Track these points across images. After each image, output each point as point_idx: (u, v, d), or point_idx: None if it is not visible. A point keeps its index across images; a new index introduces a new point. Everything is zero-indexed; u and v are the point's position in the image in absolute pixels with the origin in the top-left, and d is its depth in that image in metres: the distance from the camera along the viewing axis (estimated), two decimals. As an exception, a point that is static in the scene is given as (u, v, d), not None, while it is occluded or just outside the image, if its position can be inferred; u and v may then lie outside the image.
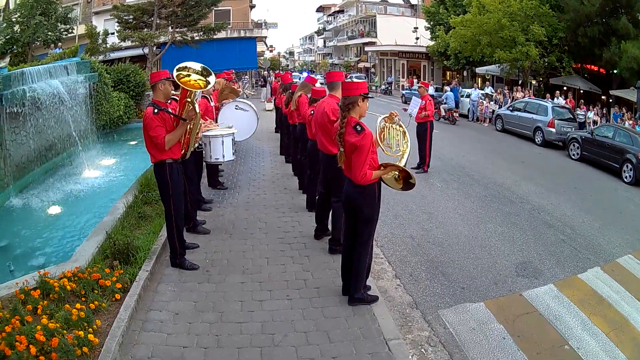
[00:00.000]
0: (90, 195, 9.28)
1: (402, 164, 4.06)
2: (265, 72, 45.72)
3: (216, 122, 7.66)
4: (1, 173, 8.97)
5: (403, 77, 38.71)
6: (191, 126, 4.91)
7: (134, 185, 7.55)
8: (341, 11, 58.95)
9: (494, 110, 19.03)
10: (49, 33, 21.04)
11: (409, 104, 22.63)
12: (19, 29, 21.13)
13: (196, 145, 6.25)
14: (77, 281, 4.42)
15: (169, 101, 4.98)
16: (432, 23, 30.42)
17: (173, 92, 5.01)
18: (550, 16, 19.44)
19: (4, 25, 21.39)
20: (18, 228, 7.78)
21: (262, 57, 55.06)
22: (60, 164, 11.42)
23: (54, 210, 8.60)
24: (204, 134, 6.53)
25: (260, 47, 51.33)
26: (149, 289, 4.66)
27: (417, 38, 36.33)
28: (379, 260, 5.53)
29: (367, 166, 3.92)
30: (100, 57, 20.15)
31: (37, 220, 8.11)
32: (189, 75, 4.71)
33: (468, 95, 21.44)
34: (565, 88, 19.58)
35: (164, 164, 4.81)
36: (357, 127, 3.93)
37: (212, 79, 4.87)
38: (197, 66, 4.85)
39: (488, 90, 22.12)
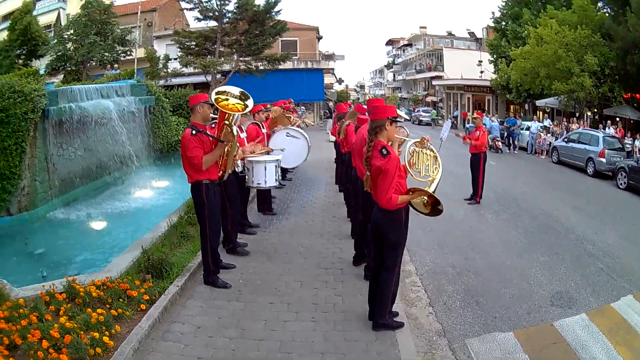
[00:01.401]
0: (137, 213, 9.92)
1: (431, 190, 4.17)
2: (331, 104, 47.05)
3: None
4: (45, 186, 9.87)
5: (468, 111, 39.60)
6: (228, 148, 5.27)
7: (182, 206, 8.04)
8: (409, 45, 61.02)
9: (550, 143, 20.19)
10: (106, 54, 22.82)
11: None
12: (72, 47, 22.93)
13: (240, 169, 6.80)
14: (105, 289, 4.77)
15: (213, 125, 5.38)
16: (495, 56, 32.22)
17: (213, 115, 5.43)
18: (601, 45, 20.58)
19: (55, 41, 23.34)
20: (57, 238, 8.50)
21: (330, 90, 56.95)
22: (111, 182, 12.35)
23: (97, 225, 9.30)
24: (248, 158, 6.99)
25: (329, 79, 53.29)
26: (177, 303, 4.92)
27: (481, 72, 37.74)
28: (416, 288, 5.81)
29: (392, 190, 4.07)
30: (161, 82, 21.64)
31: (78, 233, 8.80)
32: (227, 99, 5.11)
33: (527, 128, 22.65)
34: (617, 119, 20.76)
35: (201, 185, 5.19)
36: (383, 150, 4.10)
37: (250, 102, 5.26)
38: (236, 90, 5.27)
39: (546, 122, 23.27)
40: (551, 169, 17.64)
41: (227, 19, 24.15)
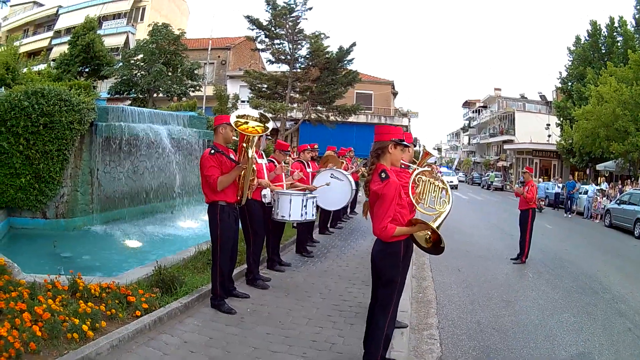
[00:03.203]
0: (177, 241, 10.38)
1: (435, 225, 3.99)
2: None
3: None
4: (87, 198, 10.71)
5: (535, 177, 40.73)
6: (245, 172, 5.49)
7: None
8: (484, 107, 63.22)
9: (605, 206, 21.05)
10: (174, 85, 24.23)
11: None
12: (138, 73, 24.50)
13: (267, 200, 7.03)
14: (107, 292, 5.07)
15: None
16: (561, 119, 34.03)
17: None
18: None
19: (120, 64, 25.05)
20: (88, 247, 9.11)
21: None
22: (159, 210, 13.09)
23: (132, 243, 9.89)
24: (276, 191, 7.26)
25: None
26: (175, 318, 5.11)
27: (549, 135, 39.58)
28: (431, 341, 5.77)
29: (388, 219, 3.93)
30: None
31: (110, 247, 9.41)
32: (247, 122, 5.35)
33: (585, 192, 23.85)
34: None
35: (217, 205, 5.48)
36: (382, 174, 4.00)
37: (270, 124, 5.47)
38: (255, 113, 5.53)
39: (603, 186, 24.21)
40: (601, 231, 18.52)
41: (299, 64, 25.33)
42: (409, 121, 42.13)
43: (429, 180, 4.36)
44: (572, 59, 35.26)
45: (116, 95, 25.33)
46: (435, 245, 4.08)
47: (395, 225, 3.95)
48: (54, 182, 9.82)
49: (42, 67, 24.12)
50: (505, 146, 50.21)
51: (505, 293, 8.21)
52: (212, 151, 5.39)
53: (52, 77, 20.75)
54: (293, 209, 7.33)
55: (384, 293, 4.17)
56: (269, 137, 8.53)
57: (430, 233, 4.07)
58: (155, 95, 25.32)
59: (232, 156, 5.52)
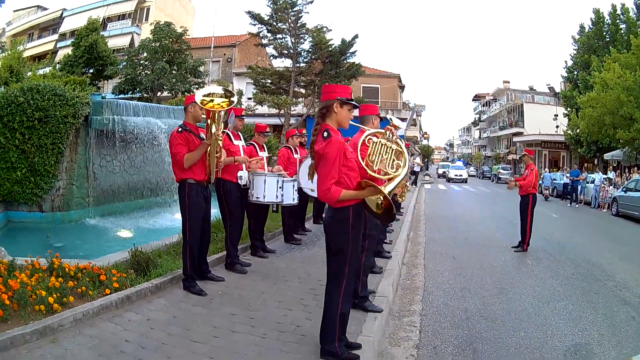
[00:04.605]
0: (167, 230, 10.50)
1: (387, 190, 3.75)
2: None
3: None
4: (83, 192, 11.07)
5: (545, 169, 40.90)
6: (210, 148, 5.60)
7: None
8: (494, 100, 63.66)
9: (612, 195, 21.08)
10: (178, 83, 24.56)
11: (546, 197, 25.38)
12: (142, 72, 24.77)
13: (243, 182, 7.03)
14: (83, 272, 5.33)
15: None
16: (568, 109, 34.56)
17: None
18: None
19: (124, 63, 25.43)
20: (81, 238, 9.48)
21: (416, 144, 58.43)
22: (158, 204, 13.31)
23: (124, 234, 10.20)
24: (253, 173, 7.27)
25: (413, 132, 54.29)
26: (145, 298, 5.30)
27: (557, 126, 40.08)
28: (410, 328, 5.59)
29: (332, 180, 3.76)
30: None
31: (102, 237, 9.78)
32: (212, 100, 5.48)
33: (592, 181, 23.84)
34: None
35: (185, 183, 5.62)
36: (324, 133, 3.86)
37: (234, 98, 5.62)
38: (220, 89, 5.67)
39: (611, 175, 24.43)
40: (608, 220, 18.49)
41: (302, 58, 25.54)
42: (415, 115, 42.31)
43: (379, 141, 4.05)
44: (576, 47, 35.52)
45: (121, 95, 25.76)
46: (387, 212, 3.84)
47: (341, 189, 3.79)
48: (49, 175, 10.21)
49: (47, 70, 24.60)
50: (515, 139, 50.40)
51: (500, 280, 7.99)
52: (180, 129, 5.54)
53: (57, 79, 21.27)
54: (268, 189, 7.25)
55: (334, 264, 4.00)
56: (268, 133, 8.54)
57: (382, 198, 3.80)
58: (159, 93, 25.70)
59: (202, 135, 5.65)
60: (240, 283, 6.27)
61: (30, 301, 4.31)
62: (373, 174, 3.93)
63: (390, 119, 5.77)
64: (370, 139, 4.13)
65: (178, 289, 5.75)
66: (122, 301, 4.96)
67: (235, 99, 5.65)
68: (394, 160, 4.00)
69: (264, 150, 8.22)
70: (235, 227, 7.03)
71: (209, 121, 5.46)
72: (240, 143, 7.12)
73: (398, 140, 4.12)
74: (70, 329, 4.26)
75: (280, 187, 7.42)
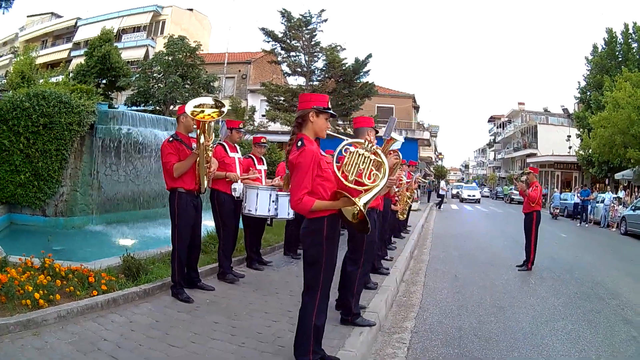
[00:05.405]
0: (168, 241, 10.65)
1: (361, 202, 3.67)
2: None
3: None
4: (87, 199, 11.27)
5: (557, 189, 41.66)
6: (199, 158, 5.69)
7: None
8: (509, 121, 64.20)
9: (621, 214, 20.99)
10: (190, 97, 24.86)
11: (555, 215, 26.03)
12: (155, 85, 25.04)
13: (237, 195, 7.08)
14: (74, 273, 5.45)
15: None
16: (581, 130, 34.60)
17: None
18: None
19: (137, 75, 25.76)
20: (82, 243, 9.65)
21: (430, 164, 58.67)
22: (162, 214, 13.12)
23: (125, 242, 10.22)
24: (247, 185, 7.33)
25: (427, 153, 54.67)
26: (131, 302, 5.39)
27: (569, 147, 40.38)
28: (398, 345, 5.48)
29: (304, 190, 3.75)
30: (248, 136, 23.10)
31: (102, 243, 9.90)
32: (203, 111, 5.58)
33: (602, 201, 23.88)
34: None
35: (175, 192, 5.75)
36: (299, 142, 3.85)
37: (224, 109, 5.71)
38: (210, 100, 5.74)
39: (621, 194, 24.47)
40: (617, 239, 18.38)
41: (316, 77, 25.84)
42: (431, 135, 42.51)
43: (357, 151, 3.91)
44: (590, 68, 35.60)
45: (133, 107, 26.11)
46: (362, 223, 3.77)
47: (315, 199, 3.77)
48: (52, 180, 10.43)
49: (60, 78, 25.02)
50: (528, 160, 50.17)
51: (500, 299, 7.85)
52: (171, 139, 5.68)
53: (76, 88, 21.68)
54: (260, 202, 7.28)
55: (309, 275, 3.97)
56: (264, 143, 8.41)
57: (358, 210, 3.71)
58: (172, 107, 26.06)
59: (194, 145, 5.73)
60: (230, 293, 6.31)
61: (17, 295, 4.47)
62: (348, 184, 3.81)
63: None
64: (347, 149, 4.03)
65: (166, 296, 5.82)
66: (108, 303, 5.05)
67: (225, 109, 5.74)
68: (371, 171, 3.87)
69: (263, 163, 8.24)
70: (228, 238, 7.06)
71: (198, 131, 5.56)
72: (236, 155, 7.20)
73: (378, 151, 3.98)
74: (53, 324, 4.40)
75: (273, 201, 7.43)
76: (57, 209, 10.67)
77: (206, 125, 5.52)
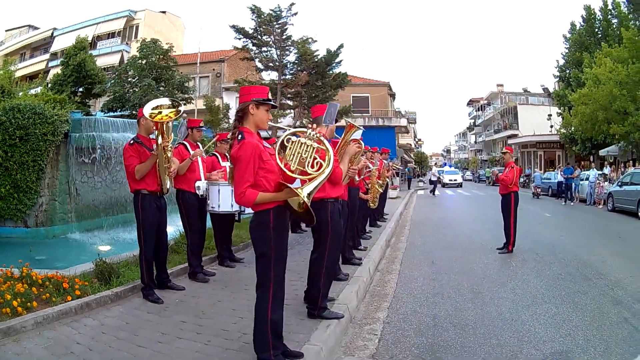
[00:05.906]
0: None
1: (305, 192, 3.63)
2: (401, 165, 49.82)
3: None
4: (65, 207, 11.63)
5: (540, 169, 42.23)
6: (159, 159, 5.85)
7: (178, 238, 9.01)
8: (488, 104, 64.67)
9: (607, 190, 20.87)
10: (163, 100, 25.15)
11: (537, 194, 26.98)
12: (130, 90, 25.33)
13: (200, 193, 7.26)
14: (50, 280, 5.85)
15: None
16: (562, 108, 34.75)
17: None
18: None
19: (112, 81, 25.97)
20: (63, 252, 10.01)
21: (410, 151, 59.00)
22: None
23: (103, 248, 10.65)
24: (209, 182, 7.45)
25: (406, 139, 55.08)
26: (105, 306, 5.77)
27: (551, 126, 40.39)
28: (369, 336, 5.40)
29: (246, 183, 3.76)
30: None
31: (81, 251, 10.26)
32: (160, 112, 5.78)
33: (587, 178, 23.76)
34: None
35: (139, 194, 5.96)
36: (239, 135, 3.85)
37: (181, 108, 5.93)
38: (167, 101, 5.96)
39: (606, 170, 24.40)
40: (603, 216, 18.15)
41: (288, 70, 26.07)
42: (408, 121, 42.90)
43: (299, 140, 3.86)
44: (568, 45, 35.96)
45: (110, 113, 26.27)
46: (307, 213, 3.72)
47: (258, 191, 3.78)
48: (31, 191, 10.80)
49: (38, 89, 25.09)
50: (510, 141, 50.54)
51: (478, 284, 7.63)
52: (132, 142, 5.86)
53: (49, 99, 21.80)
54: (222, 199, 7.37)
55: (259, 269, 3.96)
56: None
57: (302, 201, 3.66)
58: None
59: (151, 146, 5.95)
60: (199, 292, 6.51)
61: (-2, 304, 4.87)
62: (291, 174, 3.81)
63: (347, 121, 5.71)
64: (289, 138, 3.94)
65: (137, 298, 6.11)
66: (81, 307, 5.45)
67: (182, 108, 5.95)
68: (315, 159, 3.83)
69: (227, 160, 8.02)
70: (196, 237, 7.23)
71: (157, 132, 5.73)
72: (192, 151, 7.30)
73: (322, 139, 3.91)
74: (31, 330, 4.80)
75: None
76: (37, 219, 11.06)
77: (164, 126, 5.66)
